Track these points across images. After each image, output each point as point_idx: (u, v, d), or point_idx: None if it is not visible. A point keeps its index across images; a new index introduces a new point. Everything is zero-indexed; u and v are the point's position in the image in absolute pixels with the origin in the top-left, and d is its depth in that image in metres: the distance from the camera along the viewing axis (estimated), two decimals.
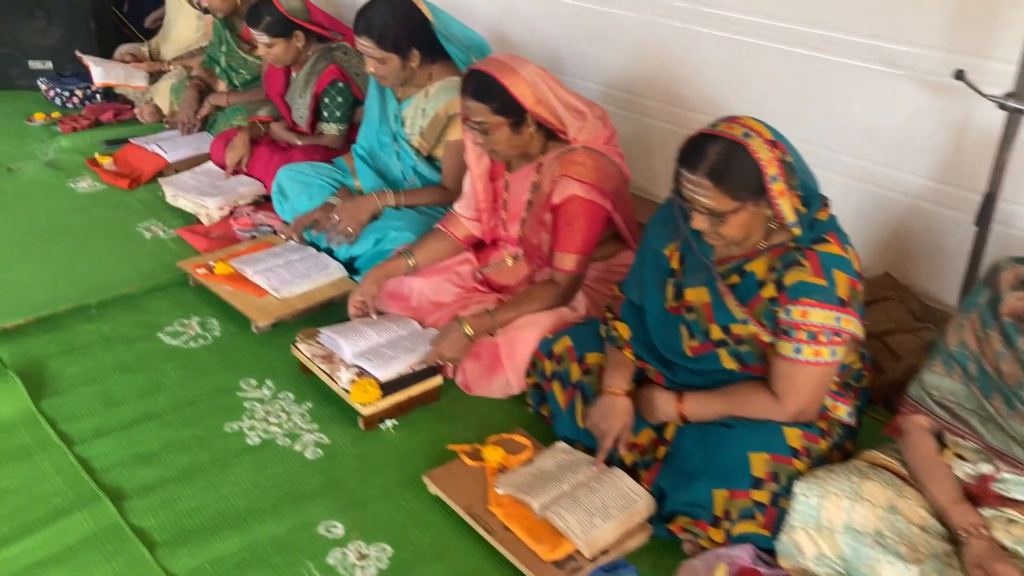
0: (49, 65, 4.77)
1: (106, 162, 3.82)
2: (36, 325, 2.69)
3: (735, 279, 1.96)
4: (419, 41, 2.79)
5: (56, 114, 4.37)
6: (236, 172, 3.56)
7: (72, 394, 2.41)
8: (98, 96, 4.56)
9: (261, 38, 3.29)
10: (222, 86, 4.06)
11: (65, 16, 4.68)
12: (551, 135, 2.43)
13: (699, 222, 1.87)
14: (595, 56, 3.42)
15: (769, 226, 1.90)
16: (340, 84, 3.36)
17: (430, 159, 3.01)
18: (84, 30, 4.71)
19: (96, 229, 3.33)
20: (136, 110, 4.36)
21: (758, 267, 1.93)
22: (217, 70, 4.08)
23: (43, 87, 4.60)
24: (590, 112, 2.39)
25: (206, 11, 4.28)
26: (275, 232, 3.22)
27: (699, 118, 3.04)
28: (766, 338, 1.92)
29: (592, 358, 2.21)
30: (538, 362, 2.31)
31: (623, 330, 2.15)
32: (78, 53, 4.46)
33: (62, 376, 2.49)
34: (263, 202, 3.48)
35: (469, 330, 2.34)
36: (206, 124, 4.01)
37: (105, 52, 4.71)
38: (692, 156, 1.83)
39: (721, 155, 1.79)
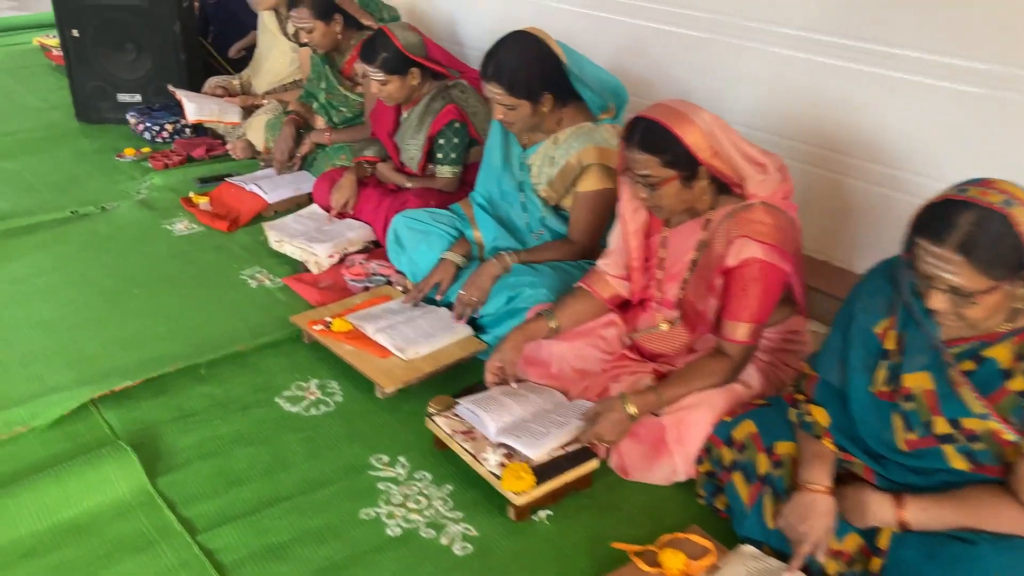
0: (138, 98, 4.65)
1: (202, 202, 3.64)
2: (144, 386, 2.48)
3: (970, 365, 1.68)
4: (551, 85, 2.56)
5: (146, 149, 4.23)
6: (342, 215, 3.35)
7: (189, 470, 2.20)
8: (188, 130, 4.42)
9: (375, 75, 3.09)
10: (320, 122, 3.88)
11: (155, 48, 4.55)
12: (722, 188, 2.17)
13: (939, 301, 1.60)
14: (729, 93, 3.16)
15: (1015, 307, 1.62)
16: (456, 124, 3.14)
17: (557, 208, 2.76)
18: (173, 62, 4.58)
19: (198, 276, 3.14)
20: (228, 146, 4.20)
21: (1001, 353, 1.65)
22: (315, 106, 3.90)
23: (132, 121, 4.47)
24: (770, 163, 2.13)
25: (303, 44, 4.11)
26: (390, 283, 3.00)
27: (867, 167, 2.81)
28: (1010, 437, 1.63)
29: (783, 447, 1.93)
30: (713, 448, 2.04)
31: (820, 416, 1.88)
32: (170, 87, 4.32)
33: (176, 448, 2.28)
34: (372, 248, 3.26)
35: (633, 409, 2.08)
36: (305, 163, 3.82)
37: (194, 84, 4.58)
38: (938, 226, 1.55)
39: (976, 226, 1.52)
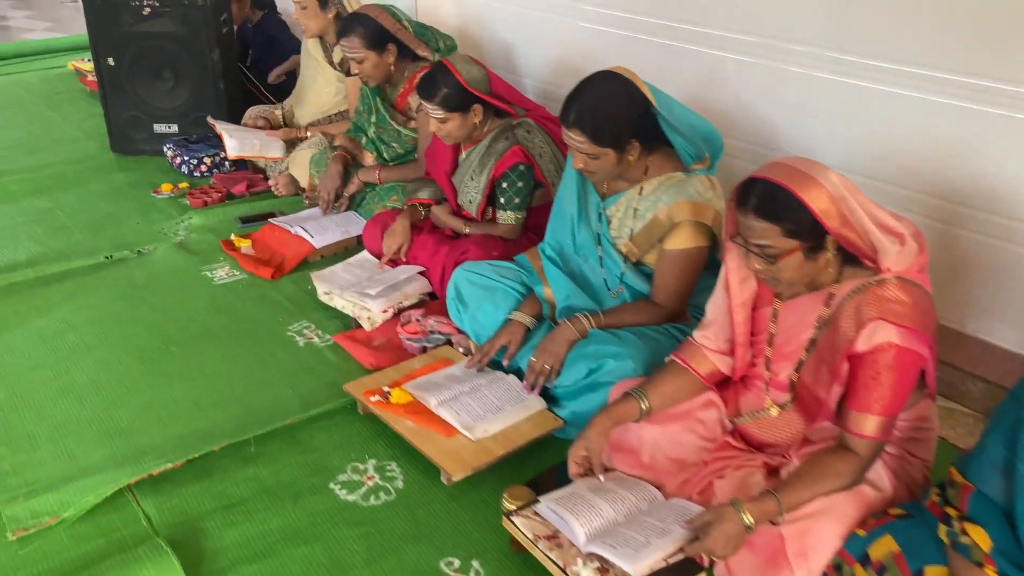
0: (175, 129, 4.43)
1: (244, 245, 3.41)
2: (186, 468, 2.24)
3: None
4: (639, 131, 2.29)
5: (184, 184, 4.01)
6: (394, 262, 3.10)
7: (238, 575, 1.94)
8: (227, 163, 4.19)
9: (435, 112, 2.83)
10: (370, 159, 3.63)
11: (193, 77, 4.34)
12: (847, 257, 1.88)
13: None
14: (822, 132, 2.87)
15: None
16: (522, 167, 2.88)
17: (638, 264, 2.49)
18: (212, 91, 4.36)
19: (242, 333, 2.89)
20: (271, 181, 3.97)
21: None
22: (364, 141, 3.65)
23: (169, 154, 4.26)
24: (906, 231, 1.84)
25: (351, 74, 3.87)
26: (450, 342, 2.73)
27: (984, 217, 2.51)
28: None
29: (934, 573, 1.63)
30: (844, 566, 1.75)
31: (979, 537, 1.58)
32: (210, 120, 4.10)
33: (221, 546, 2.02)
34: (428, 300, 3.01)
35: (749, 519, 1.79)
36: (353, 202, 3.58)
37: (233, 114, 4.37)
38: None
39: None
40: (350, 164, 3.62)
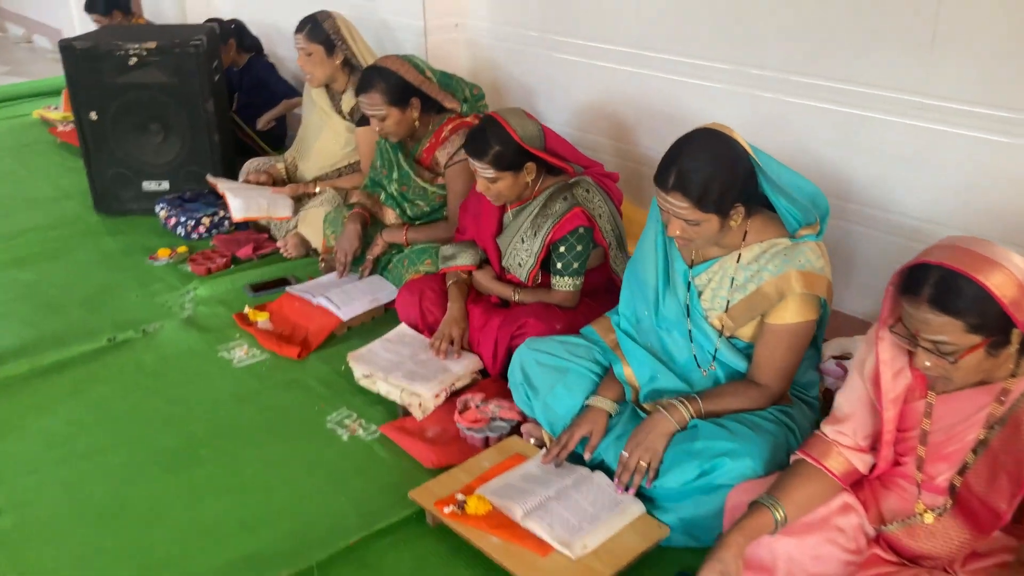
0: (166, 186, 4.09)
1: (260, 320, 3.09)
2: None
3: None
4: (745, 194, 2.05)
5: (183, 249, 3.68)
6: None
7: None
8: (227, 223, 3.87)
9: (485, 172, 2.56)
10: (391, 216, 3.34)
11: (185, 129, 4.01)
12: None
13: None
14: (895, 178, 2.64)
15: None
16: (582, 230, 2.61)
17: (730, 338, 2.23)
18: (206, 144, 4.03)
19: (276, 427, 2.58)
20: (279, 243, 3.65)
21: None
22: (383, 196, 3.36)
23: (162, 214, 3.92)
24: None
25: (360, 123, 3.58)
26: (518, 431, 2.45)
27: None
28: None
29: None
30: None
31: None
32: (210, 179, 3.78)
33: None
34: (480, 378, 2.72)
35: None
36: (377, 265, 3.28)
37: (228, 168, 4.07)
38: None
39: None
40: (369, 223, 3.32)
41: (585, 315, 2.66)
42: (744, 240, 2.15)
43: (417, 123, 3.12)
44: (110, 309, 3.25)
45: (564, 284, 2.69)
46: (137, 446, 2.49)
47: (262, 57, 4.94)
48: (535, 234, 2.68)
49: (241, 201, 3.54)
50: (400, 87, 3.01)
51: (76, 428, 2.57)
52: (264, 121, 4.78)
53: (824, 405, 2.34)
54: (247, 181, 3.87)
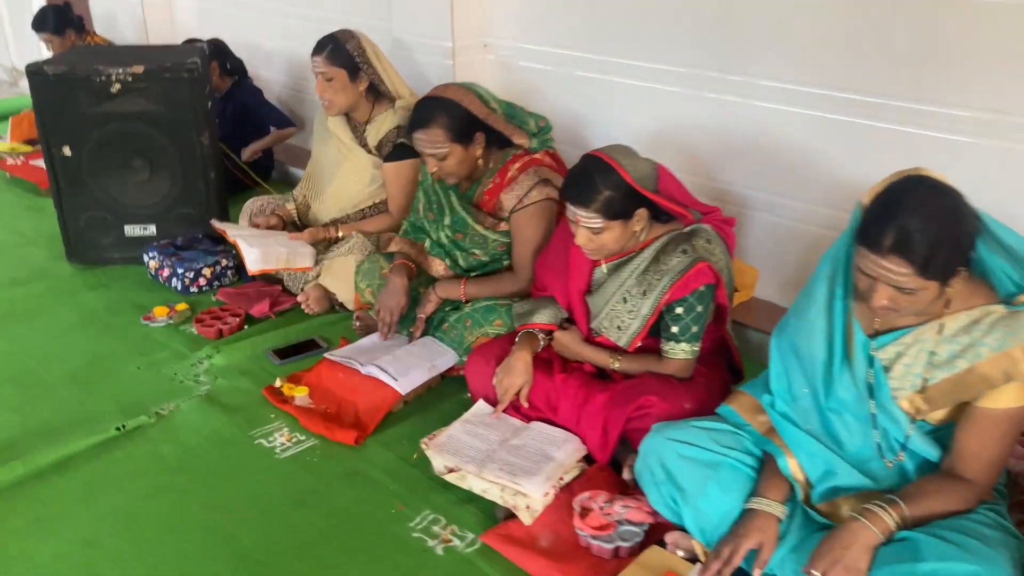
0: (151, 230, 3.56)
1: (299, 395, 2.61)
2: None
3: None
4: (969, 256, 1.69)
5: (182, 306, 3.16)
6: (513, 407, 2.39)
7: None
8: (230, 273, 3.36)
9: (590, 222, 2.16)
10: (439, 266, 2.89)
11: (175, 165, 3.49)
12: None
13: None
14: None
15: None
16: (704, 288, 2.22)
17: (922, 423, 1.86)
18: (200, 182, 3.52)
19: (351, 538, 2.10)
20: (300, 297, 3.17)
21: None
22: (427, 244, 2.91)
23: (152, 264, 3.39)
24: None
25: (391, 157, 3.13)
26: (653, 539, 2.03)
27: None
28: None
29: None
30: None
31: None
32: (216, 224, 3.27)
33: None
34: (586, 466, 2.29)
35: None
36: (429, 325, 2.83)
37: (223, 208, 3.55)
38: None
39: None
40: (414, 275, 2.87)
41: (709, 389, 2.27)
42: (948, 308, 1.78)
43: (480, 164, 2.69)
44: (109, 386, 2.72)
45: (680, 351, 2.29)
46: (172, 569, 1.98)
47: (247, 81, 4.44)
48: (644, 293, 2.27)
49: (258, 252, 3.04)
50: (464, 121, 2.58)
51: (95, 550, 2.05)
52: (250, 152, 4.30)
53: (1012, 491, 2.00)
54: (254, 224, 3.36)
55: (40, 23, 4.99)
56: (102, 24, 5.44)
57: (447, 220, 2.82)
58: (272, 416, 2.57)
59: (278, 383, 2.66)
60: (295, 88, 4.64)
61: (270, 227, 3.34)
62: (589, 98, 3.32)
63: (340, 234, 3.25)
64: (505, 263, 2.81)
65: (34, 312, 3.19)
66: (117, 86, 3.32)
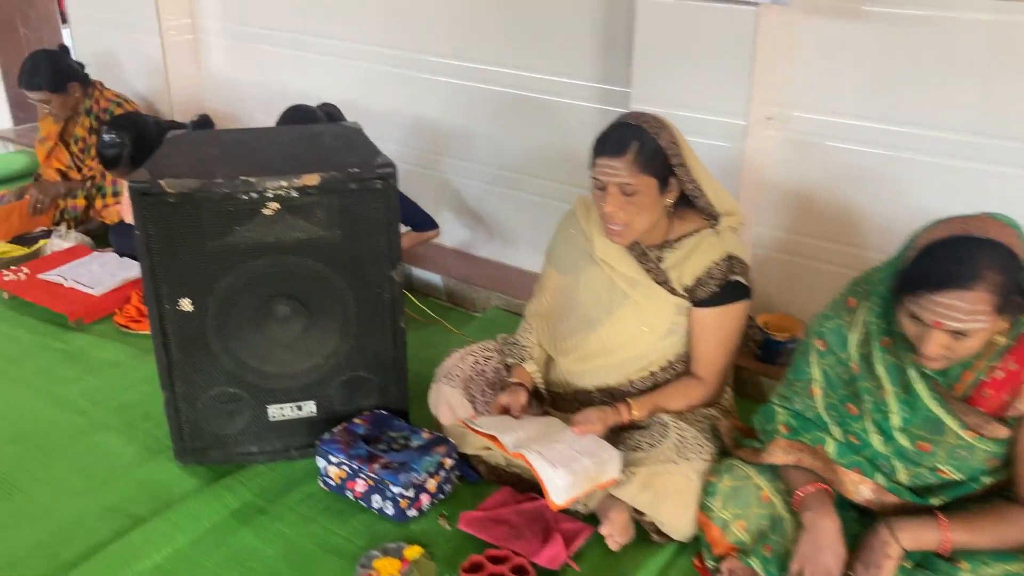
0: (310, 410, 2.39)
1: None
2: None
3: None
4: None
5: (414, 551, 2.03)
6: None
7: None
8: (454, 477, 2.23)
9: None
10: (860, 485, 1.85)
11: (344, 309, 2.33)
12: None
13: None
14: None
15: None
16: None
17: None
18: (384, 334, 2.37)
19: None
20: (604, 529, 2.06)
21: None
22: (831, 446, 1.87)
23: (332, 471, 2.23)
24: None
25: (717, 301, 2.09)
26: None
27: None
28: None
29: None
30: None
31: None
32: (466, 420, 2.13)
33: None
34: None
35: None
36: None
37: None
38: None
39: None
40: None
41: None
42: None
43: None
44: None
45: None
46: None
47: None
48: None
49: (567, 477, 1.91)
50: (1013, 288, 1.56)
51: None
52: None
53: None
54: (502, 409, 2.23)
55: (32, 78, 3.65)
56: (96, 70, 4.09)
57: (900, 411, 1.78)
58: None
59: None
60: (418, 163, 3.50)
61: (520, 405, 2.22)
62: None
63: (635, 414, 2.17)
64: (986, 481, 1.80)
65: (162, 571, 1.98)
66: (275, 206, 2.13)
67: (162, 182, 2.08)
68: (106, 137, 3.15)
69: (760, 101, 2.44)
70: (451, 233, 3.47)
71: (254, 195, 2.12)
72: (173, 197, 2.09)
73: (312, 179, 2.12)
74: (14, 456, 2.42)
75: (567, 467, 1.94)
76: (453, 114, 3.33)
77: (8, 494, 2.27)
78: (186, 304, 2.20)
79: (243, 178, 2.11)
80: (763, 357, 2.61)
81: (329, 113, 3.12)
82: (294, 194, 2.13)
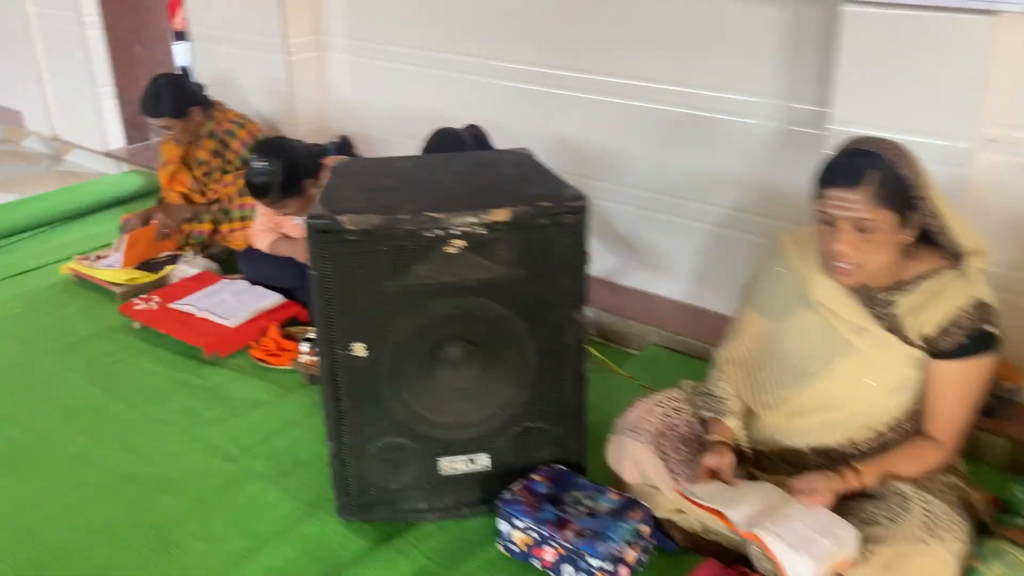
0: (483, 464, 2.19)
1: None
2: None
3: None
4: None
5: None
6: None
7: None
8: (650, 547, 1.99)
9: None
10: None
11: (523, 355, 2.13)
12: None
13: None
14: None
15: None
16: None
17: None
18: (562, 381, 2.16)
19: None
20: None
21: None
22: None
23: (517, 536, 2.01)
24: None
25: (964, 353, 1.80)
26: None
27: None
28: None
29: None
30: None
31: None
32: (681, 492, 1.89)
33: None
34: None
35: None
36: None
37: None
38: None
39: None
40: None
41: None
42: None
43: None
44: None
45: None
46: None
47: None
48: None
49: (809, 562, 1.67)
50: None
51: None
52: None
53: None
54: (710, 472, 1.99)
55: (155, 106, 3.55)
56: (216, 90, 3.98)
57: None
58: None
59: None
60: None
61: (731, 469, 1.97)
62: None
63: (865, 481, 1.90)
64: None
65: None
66: (460, 243, 1.93)
67: (342, 218, 1.90)
68: (256, 165, 2.90)
69: (984, 121, 2.16)
70: (595, 260, 3.23)
71: (439, 232, 1.92)
72: (353, 235, 1.90)
73: (502, 214, 1.92)
74: (168, 508, 2.26)
75: (807, 551, 1.69)
76: (601, 134, 3.11)
77: (167, 551, 2.11)
78: (359, 349, 2.02)
79: (428, 214, 1.91)
80: (986, 411, 2.31)
81: (476, 136, 2.92)
82: (482, 231, 1.93)
